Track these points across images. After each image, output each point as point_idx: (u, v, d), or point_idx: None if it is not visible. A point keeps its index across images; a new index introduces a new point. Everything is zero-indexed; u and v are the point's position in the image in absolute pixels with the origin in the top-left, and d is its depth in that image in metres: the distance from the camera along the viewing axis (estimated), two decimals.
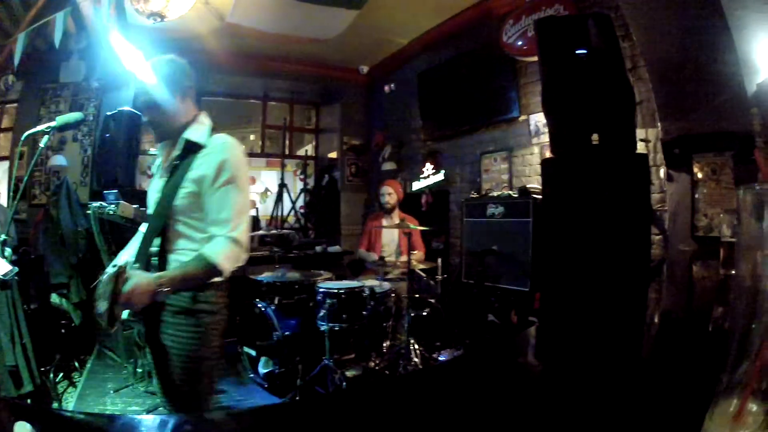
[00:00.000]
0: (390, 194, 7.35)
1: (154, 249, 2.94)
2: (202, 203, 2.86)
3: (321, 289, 5.58)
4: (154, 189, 3.10)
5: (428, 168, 9.38)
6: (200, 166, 2.87)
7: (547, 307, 5.13)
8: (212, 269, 2.74)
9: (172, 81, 3.06)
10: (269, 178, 12.32)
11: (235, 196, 2.84)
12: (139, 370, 5.97)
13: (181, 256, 2.88)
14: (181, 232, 2.92)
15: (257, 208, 10.86)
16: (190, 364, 2.86)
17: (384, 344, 6.03)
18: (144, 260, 2.91)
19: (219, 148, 2.92)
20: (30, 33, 5.63)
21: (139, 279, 2.61)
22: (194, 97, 3.17)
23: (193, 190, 2.85)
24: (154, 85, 3.01)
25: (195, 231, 2.92)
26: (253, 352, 6.05)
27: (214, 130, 3.09)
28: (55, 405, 5.10)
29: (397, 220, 7.09)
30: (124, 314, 2.91)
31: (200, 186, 2.84)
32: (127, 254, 3.23)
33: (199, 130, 3.03)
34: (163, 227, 2.92)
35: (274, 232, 7.39)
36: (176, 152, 2.99)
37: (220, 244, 2.77)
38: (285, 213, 10.23)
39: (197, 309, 2.87)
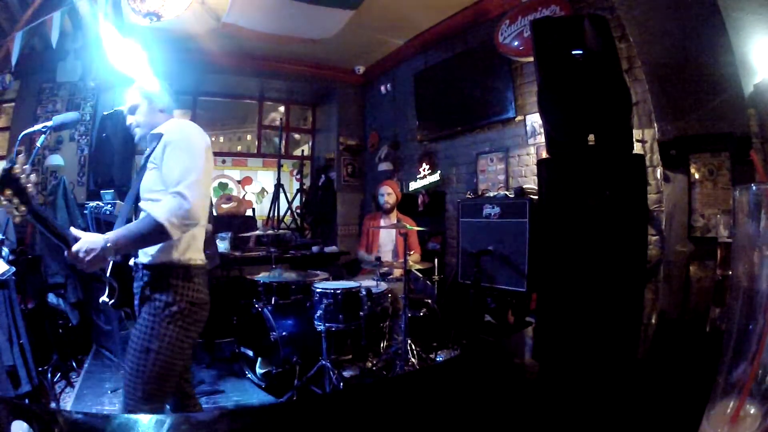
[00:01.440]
0: (390, 194, 7.39)
1: None
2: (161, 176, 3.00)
3: (318, 290, 5.57)
4: None
5: (424, 168, 9.39)
6: (156, 147, 3.06)
7: (543, 307, 5.13)
8: (155, 225, 2.76)
9: (143, 94, 3.38)
10: (266, 179, 12.32)
11: (180, 157, 2.94)
12: None
13: None
14: (147, 207, 3.00)
15: (254, 209, 10.86)
16: (137, 356, 2.93)
17: (381, 345, 6.05)
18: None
19: (168, 128, 3.17)
20: (27, 32, 5.62)
21: (86, 237, 2.75)
22: (170, 104, 3.46)
23: (152, 167, 3.07)
24: (133, 101, 3.40)
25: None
26: (250, 353, 6.06)
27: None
28: (52, 405, 5.10)
29: (394, 221, 7.10)
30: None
31: (156, 161, 3.03)
32: None
33: (165, 126, 3.26)
34: (135, 209, 3.08)
35: (270, 232, 7.37)
36: (149, 147, 3.22)
37: (164, 202, 2.83)
38: (281, 213, 10.23)
39: (153, 297, 2.97)
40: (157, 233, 2.79)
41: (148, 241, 2.89)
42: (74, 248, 2.69)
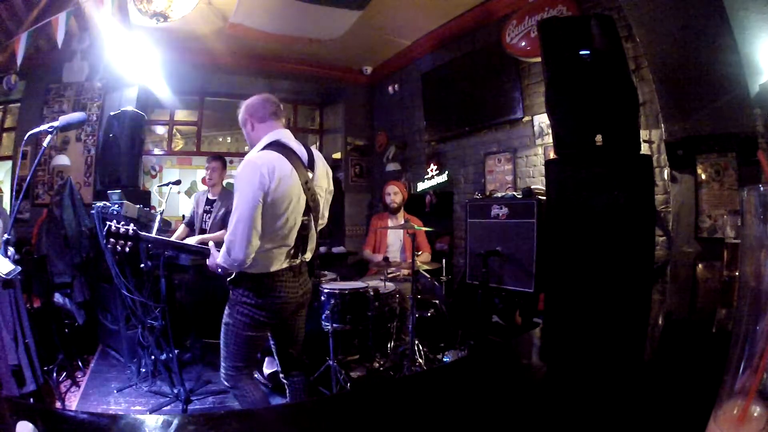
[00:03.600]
0: (396, 194, 7.39)
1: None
2: None
3: (325, 290, 5.59)
4: None
5: (432, 169, 9.39)
6: None
7: (551, 308, 5.12)
8: (216, 267, 3.60)
9: (243, 118, 3.91)
10: None
11: (234, 206, 3.46)
12: (143, 370, 5.98)
13: None
14: None
15: None
16: (223, 324, 3.79)
17: (388, 345, 6.04)
18: None
19: (238, 167, 3.58)
20: (33, 33, 5.64)
21: (212, 257, 3.67)
22: (268, 116, 3.88)
23: None
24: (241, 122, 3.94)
25: None
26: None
27: (275, 145, 3.69)
28: (58, 405, 5.11)
29: (402, 221, 7.10)
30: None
31: None
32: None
33: (252, 152, 3.69)
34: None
35: None
36: None
37: (222, 247, 3.52)
38: None
39: (230, 289, 3.76)
40: (224, 269, 3.59)
41: (227, 270, 3.63)
42: (208, 264, 3.71)
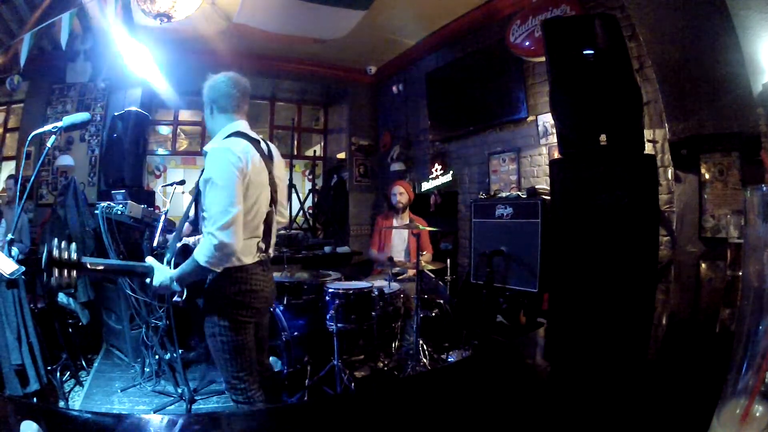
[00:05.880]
0: (402, 194, 7.41)
1: (179, 243, 3.63)
2: None
3: (330, 290, 5.56)
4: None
5: (436, 169, 9.38)
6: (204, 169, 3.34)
7: (555, 308, 5.12)
8: (198, 266, 3.21)
9: (206, 99, 3.66)
10: None
11: (215, 194, 3.20)
12: (147, 369, 5.98)
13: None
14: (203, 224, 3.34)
15: None
16: (209, 338, 3.51)
17: (393, 345, 6.03)
18: (172, 250, 3.57)
19: (208, 154, 3.35)
20: (36, 33, 5.64)
21: (159, 272, 3.37)
22: (230, 108, 3.67)
23: (201, 189, 3.36)
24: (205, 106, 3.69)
25: None
26: None
27: (240, 134, 3.53)
28: (61, 404, 5.12)
29: (407, 221, 7.11)
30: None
31: (201, 186, 3.34)
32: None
33: (216, 140, 3.54)
34: (195, 221, 3.38)
35: (282, 232, 7.38)
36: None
37: (203, 245, 3.20)
38: (293, 214, 10.24)
39: (208, 293, 3.49)
40: (204, 270, 3.25)
41: (200, 276, 3.39)
42: (155, 284, 3.36)
